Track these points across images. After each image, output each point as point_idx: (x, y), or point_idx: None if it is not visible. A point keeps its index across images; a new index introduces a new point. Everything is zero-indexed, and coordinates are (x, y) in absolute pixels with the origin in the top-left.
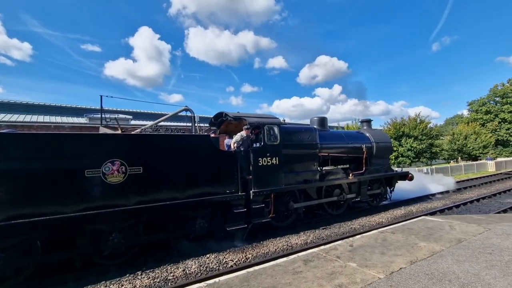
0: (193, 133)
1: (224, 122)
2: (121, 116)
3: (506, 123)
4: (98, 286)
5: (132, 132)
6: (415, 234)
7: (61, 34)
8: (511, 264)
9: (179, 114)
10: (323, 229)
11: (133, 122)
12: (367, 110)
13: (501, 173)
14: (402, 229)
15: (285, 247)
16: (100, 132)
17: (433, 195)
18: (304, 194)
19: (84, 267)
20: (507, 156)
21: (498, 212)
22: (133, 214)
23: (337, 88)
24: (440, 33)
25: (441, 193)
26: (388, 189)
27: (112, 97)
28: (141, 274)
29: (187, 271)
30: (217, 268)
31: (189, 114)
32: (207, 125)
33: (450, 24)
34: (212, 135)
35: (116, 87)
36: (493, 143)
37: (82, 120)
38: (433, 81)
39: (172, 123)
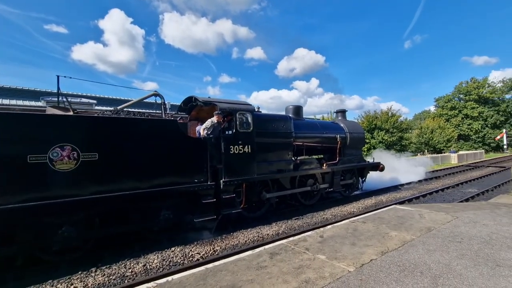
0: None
1: (195, 108)
2: (84, 100)
3: (468, 119)
4: (44, 285)
5: (87, 114)
6: (386, 223)
7: (23, 12)
8: (481, 252)
9: (147, 100)
10: (295, 219)
11: (97, 107)
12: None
13: (462, 165)
14: (373, 218)
15: (255, 238)
16: (48, 113)
17: (402, 185)
18: (277, 184)
19: (32, 265)
20: (468, 150)
21: (461, 201)
22: (87, 205)
23: (314, 82)
24: (413, 32)
25: (409, 183)
26: (360, 179)
27: (70, 77)
28: (96, 271)
29: (148, 266)
30: (181, 262)
31: (158, 100)
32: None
33: (422, 24)
34: (181, 121)
35: (85, 73)
36: (455, 137)
37: (39, 103)
38: (404, 78)
39: (142, 111)
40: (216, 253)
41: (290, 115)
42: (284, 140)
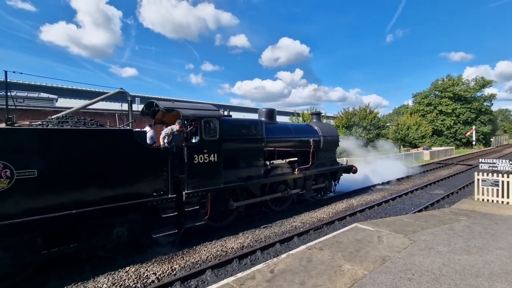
0: (117, 126)
1: (159, 112)
2: (43, 95)
3: (442, 115)
4: None
5: (22, 126)
6: (342, 251)
7: None
8: None
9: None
10: (263, 228)
11: (59, 103)
12: (326, 95)
13: (433, 163)
14: (331, 243)
15: (219, 252)
16: None
17: (374, 186)
18: (246, 191)
19: None
20: (440, 145)
21: (426, 207)
22: (24, 227)
23: (298, 72)
24: (395, 26)
25: (381, 184)
26: (333, 182)
27: (21, 73)
28: None
29: None
30: (134, 285)
31: (126, 99)
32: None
33: (404, 18)
34: (137, 129)
35: (58, 56)
36: (430, 133)
37: None
38: (385, 72)
39: (111, 108)
40: (174, 272)
41: (262, 119)
42: (254, 145)
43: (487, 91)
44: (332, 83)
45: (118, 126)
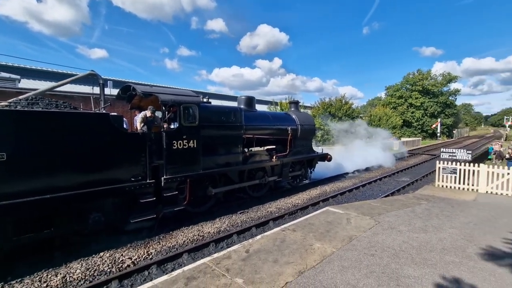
0: (92, 110)
1: (135, 96)
2: (4, 75)
3: (412, 108)
4: None
5: None
6: (314, 232)
7: None
8: (387, 269)
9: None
10: (240, 213)
11: (22, 84)
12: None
13: (402, 152)
14: (303, 225)
15: (196, 237)
16: None
17: (347, 173)
18: (225, 178)
19: None
20: (409, 136)
21: (393, 192)
22: None
23: (277, 61)
24: (372, 18)
25: (353, 172)
26: (309, 170)
27: None
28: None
29: (69, 278)
30: (109, 270)
31: (98, 81)
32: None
33: (381, 11)
34: (114, 113)
35: (17, 32)
36: (400, 124)
37: None
38: (361, 63)
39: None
40: (150, 256)
41: (241, 107)
42: (233, 132)
43: (453, 86)
44: (310, 73)
45: (93, 109)
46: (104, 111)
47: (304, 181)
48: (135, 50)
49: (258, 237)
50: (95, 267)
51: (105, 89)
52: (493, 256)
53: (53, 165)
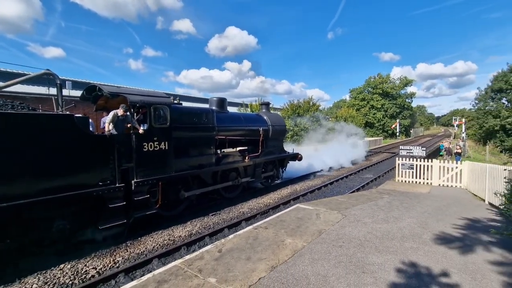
0: (55, 111)
1: (102, 97)
2: None
3: (373, 109)
4: None
5: None
6: (285, 228)
7: None
8: (354, 258)
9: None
10: (212, 215)
11: None
12: (273, 88)
13: (365, 151)
14: (275, 222)
15: (166, 242)
16: None
17: (315, 173)
18: (198, 179)
19: None
20: (372, 136)
21: (358, 189)
22: None
23: (246, 64)
24: (336, 24)
25: (321, 170)
26: (281, 169)
27: None
28: None
29: None
30: (70, 282)
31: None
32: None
33: (344, 17)
34: (78, 115)
35: None
36: (362, 125)
37: None
38: (327, 67)
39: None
40: (117, 265)
41: (213, 108)
42: (206, 134)
43: (409, 89)
44: (279, 76)
45: (56, 111)
46: (68, 112)
47: (276, 181)
48: (96, 49)
49: (231, 236)
50: (54, 280)
51: (63, 90)
52: (445, 240)
53: (11, 171)
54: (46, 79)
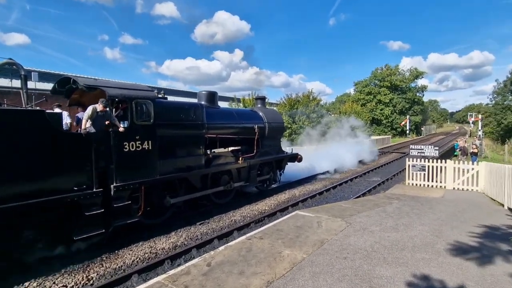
0: (23, 106)
1: (77, 90)
2: None
3: (381, 104)
4: None
5: None
6: (283, 238)
7: None
8: (360, 271)
9: None
10: (200, 224)
11: None
12: (268, 80)
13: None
14: (271, 232)
15: (147, 255)
16: None
17: (316, 175)
18: (186, 183)
19: None
20: (379, 134)
21: (364, 193)
22: None
23: (238, 53)
24: (338, 9)
25: (323, 173)
26: (278, 172)
27: None
28: None
29: None
30: None
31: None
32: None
33: (347, 0)
34: (57, 110)
35: None
36: (369, 122)
37: None
38: (329, 58)
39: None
40: (91, 282)
41: (202, 103)
42: (194, 132)
43: (420, 82)
44: (275, 67)
45: (25, 106)
46: (38, 108)
47: (273, 185)
48: (67, 36)
49: (221, 248)
50: None
51: (29, 82)
52: (460, 250)
53: None
54: (8, 69)
